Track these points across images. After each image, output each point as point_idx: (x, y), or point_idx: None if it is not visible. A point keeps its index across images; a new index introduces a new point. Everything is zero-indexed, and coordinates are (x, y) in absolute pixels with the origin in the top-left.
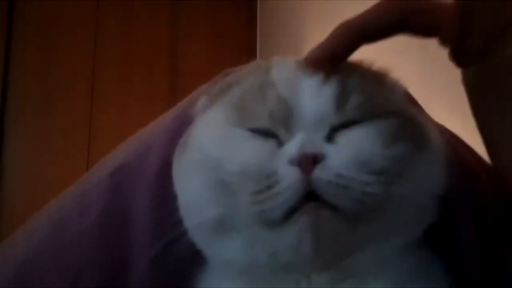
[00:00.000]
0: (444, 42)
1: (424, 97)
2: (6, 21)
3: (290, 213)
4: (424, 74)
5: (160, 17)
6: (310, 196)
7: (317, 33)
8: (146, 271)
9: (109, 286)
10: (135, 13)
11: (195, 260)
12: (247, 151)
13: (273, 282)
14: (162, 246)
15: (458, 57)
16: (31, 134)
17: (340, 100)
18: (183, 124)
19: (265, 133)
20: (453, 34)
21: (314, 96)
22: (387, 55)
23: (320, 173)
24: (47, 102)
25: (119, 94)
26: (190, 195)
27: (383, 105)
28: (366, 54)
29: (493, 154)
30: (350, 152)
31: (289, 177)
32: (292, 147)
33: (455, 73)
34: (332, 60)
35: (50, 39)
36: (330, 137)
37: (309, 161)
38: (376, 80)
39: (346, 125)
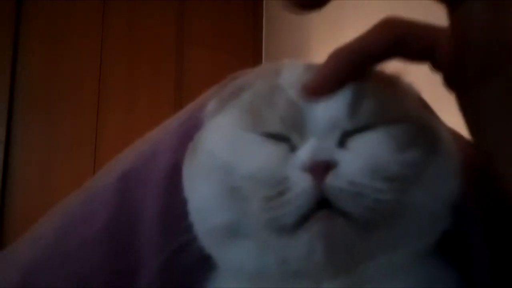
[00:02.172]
0: (436, 68)
1: (436, 102)
2: (14, 22)
3: (302, 221)
4: (436, 79)
5: (167, 20)
6: (322, 203)
7: (322, 37)
8: (154, 278)
9: None
10: (142, 16)
11: (204, 265)
12: (259, 156)
13: None
14: (171, 252)
15: (453, 85)
16: (38, 135)
17: (353, 104)
18: (192, 128)
19: (277, 137)
20: (446, 62)
21: (326, 101)
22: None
23: (332, 180)
24: (54, 104)
25: (126, 96)
26: (200, 200)
27: (396, 110)
28: None
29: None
30: (363, 159)
31: (301, 184)
32: (304, 153)
33: None
34: (329, 89)
35: (57, 41)
36: (342, 142)
37: (321, 168)
38: (389, 85)
39: (358, 130)
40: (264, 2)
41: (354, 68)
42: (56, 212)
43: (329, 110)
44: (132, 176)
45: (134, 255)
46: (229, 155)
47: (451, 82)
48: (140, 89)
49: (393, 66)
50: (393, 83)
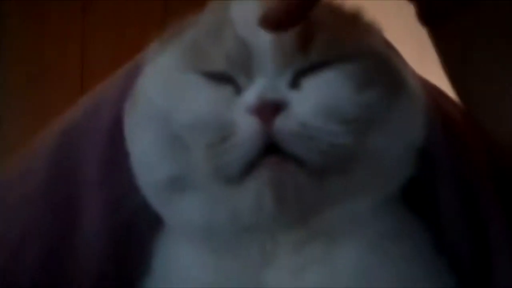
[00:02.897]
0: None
1: (417, 58)
2: None
3: (249, 168)
4: (418, 33)
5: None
6: (271, 149)
7: None
8: (97, 234)
9: (57, 248)
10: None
11: (152, 222)
12: (200, 99)
13: (236, 244)
14: (113, 204)
15: (425, 17)
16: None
17: (305, 38)
18: (135, 78)
19: (221, 78)
20: None
21: (275, 36)
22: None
23: (282, 122)
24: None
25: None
26: (142, 152)
27: (355, 45)
28: None
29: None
30: (317, 99)
31: (247, 127)
32: (251, 94)
33: None
34: (290, 20)
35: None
36: (294, 83)
37: (269, 110)
38: (348, 18)
39: (312, 68)
40: None
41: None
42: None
43: (279, 46)
44: (73, 131)
45: (75, 210)
46: (167, 99)
47: (426, 14)
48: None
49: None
50: (352, 19)
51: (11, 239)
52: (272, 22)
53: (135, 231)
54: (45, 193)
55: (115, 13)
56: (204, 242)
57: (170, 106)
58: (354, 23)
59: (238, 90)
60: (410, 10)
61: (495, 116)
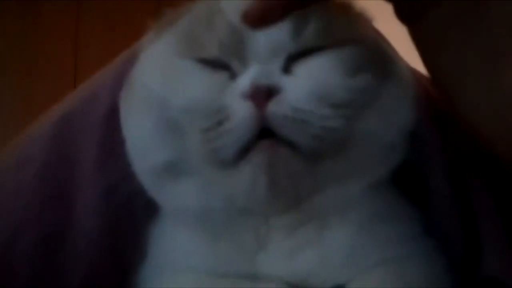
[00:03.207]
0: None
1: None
2: None
3: (243, 152)
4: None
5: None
6: (265, 133)
7: None
8: (93, 221)
9: (53, 235)
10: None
11: (147, 209)
12: (195, 84)
13: (230, 228)
14: (108, 191)
15: (405, 11)
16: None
17: (297, 25)
18: (131, 66)
19: (216, 65)
20: None
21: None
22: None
23: (275, 107)
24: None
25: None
26: (137, 137)
27: (346, 32)
28: None
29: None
30: (309, 84)
31: (241, 112)
32: (244, 79)
33: None
34: (273, 16)
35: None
36: (287, 68)
37: (263, 94)
38: (339, 7)
39: (304, 54)
40: None
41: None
42: None
43: (272, 32)
44: (69, 119)
45: (71, 198)
46: (163, 86)
47: (402, 11)
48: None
49: None
50: (344, 7)
51: (7, 226)
52: (253, 19)
53: (130, 217)
54: (42, 180)
55: (108, 10)
56: (199, 227)
57: (166, 91)
58: (345, 11)
59: (232, 75)
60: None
61: (469, 107)
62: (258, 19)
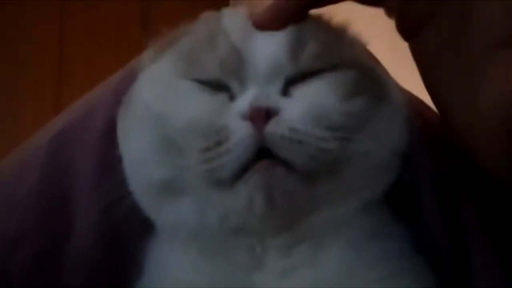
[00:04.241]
0: (390, 11)
1: (393, 63)
2: None
3: (241, 172)
4: (393, 39)
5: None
6: (263, 153)
7: None
8: (89, 237)
9: (49, 250)
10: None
11: (143, 228)
12: (195, 104)
13: (226, 247)
14: (105, 209)
15: (404, 28)
16: None
17: (295, 49)
18: (129, 82)
19: (216, 86)
20: (395, 7)
21: (267, 45)
22: (353, 18)
23: (273, 128)
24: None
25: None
26: (135, 155)
27: (342, 56)
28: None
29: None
30: (306, 106)
31: (240, 132)
32: (244, 100)
33: None
34: (282, 22)
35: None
36: (285, 91)
37: (261, 115)
38: (335, 32)
39: (302, 77)
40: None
41: (307, 5)
42: None
43: (271, 55)
44: (66, 135)
45: (66, 216)
46: (163, 105)
47: (402, 27)
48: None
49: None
50: (339, 31)
51: (3, 240)
52: (262, 24)
53: (126, 234)
54: (39, 195)
55: (92, 20)
56: (195, 245)
57: (165, 110)
58: (341, 36)
59: (231, 96)
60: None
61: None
62: (267, 24)
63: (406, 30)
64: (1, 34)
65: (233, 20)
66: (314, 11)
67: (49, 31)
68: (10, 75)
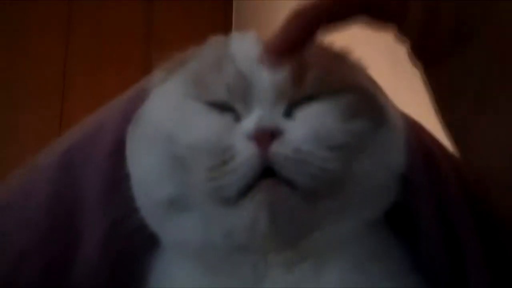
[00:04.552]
0: (404, 36)
1: (391, 87)
2: None
3: (246, 190)
4: (393, 63)
5: (135, 7)
6: (267, 172)
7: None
8: (95, 255)
9: (57, 269)
10: (108, 14)
11: (148, 243)
12: (203, 124)
13: (229, 264)
14: (112, 226)
15: (421, 54)
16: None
17: (299, 74)
18: (138, 102)
19: (223, 107)
20: (416, 29)
21: (272, 70)
22: (354, 43)
23: (277, 148)
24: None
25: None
26: (143, 172)
27: (343, 81)
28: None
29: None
30: (309, 127)
31: (246, 152)
32: (249, 121)
33: None
34: (290, 50)
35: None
36: (289, 112)
37: (266, 136)
38: (336, 57)
39: (305, 100)
40: (234, 3)
41: (313, 31)
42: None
43: (275, 80)
44: (76, 152)
45: (74, 231)
46: (172, 124)
47: (418, 52)
48: (106, 92)
49: (342, 43)
50: (341, 57)
51: (11, 255)
52: (271, 55)
53: (132, 250)
54: (47, 211)
55: (96, 38)
56: (199, 261)
57: (174, 129)
58: (342, 61)
59: (237, 117)
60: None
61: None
62: (276, 54)
63: (429, 55)
64: (5, 50)
65: (239, 45)
66: None
67: (54, 47)
68: (14, 91)
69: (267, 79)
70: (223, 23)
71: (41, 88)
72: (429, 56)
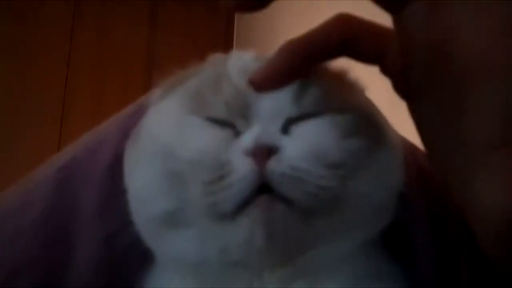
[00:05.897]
0: (386, 73)
1: (391, 111)
2: None
3: (242, 206)
4: (390, 86)
5: (138, 32)
6: (264, 189)
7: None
8: (89, 268)
9: (51, 282)
10: (113, 23)
11: (142, 259)
12: (201, 139)
13: (224, 280)
14: (107, 240)
15: (402, 90)
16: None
17: (298, 92)
18: (138, 118)
19: (222, 123)
20: (395, 67)
21: (270, 93)
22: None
23: (274, 165)
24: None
25: (92, 113)
26: (140, 187)
27: (341, 100)
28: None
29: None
30: (306, 144)
31: (243, 168)
32: (247, 138)
33: None
34: (276, 82)
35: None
36: (286, 129)
37: (263, 153)
38: (335, 78)
39: (302, 117)
40: (235, 29)
41: (303, 64)
42: None
43: (274, 98)
44: (73, 167)
45: (70, 245)
46: (170, 138)
47: (400, 89)
48: (109, 102)
49: (341, 63)
50: (339, 77)
51: (5, 267)
52: (258, 85)
53: (126, 265)
54: (42, 224)
55: (98, 57)
56: (194, 277)
57: (173, 143)
58: (341, 81)
59: (236, 133)
60: None
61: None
62: (262, 85)
63: (404, 93)
64: (6, 72)
65: (237, 63)
66: None
67: (56, 64)
68: (15, 106)
69: (266, 98)
70: (224, 46)
71: (41, 104)
72: (407, 93)
